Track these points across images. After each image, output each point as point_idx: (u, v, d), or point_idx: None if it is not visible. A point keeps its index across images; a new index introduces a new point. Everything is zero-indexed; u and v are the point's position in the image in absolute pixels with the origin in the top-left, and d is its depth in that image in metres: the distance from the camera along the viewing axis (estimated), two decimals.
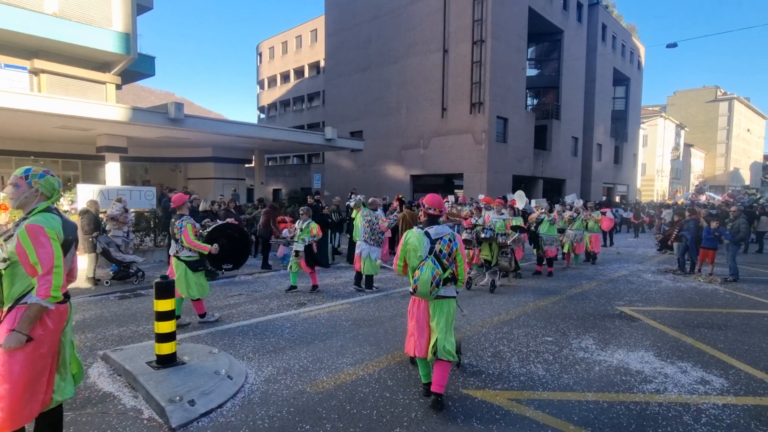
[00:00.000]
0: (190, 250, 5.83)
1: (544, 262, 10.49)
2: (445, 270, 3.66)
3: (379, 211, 8.99)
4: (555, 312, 7.07)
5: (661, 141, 53.55)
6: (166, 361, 4.30)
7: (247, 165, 22.74)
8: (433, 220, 3.89)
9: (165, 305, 4.27)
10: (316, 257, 8.47)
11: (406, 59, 24.08)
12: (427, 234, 3.75)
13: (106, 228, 9.09)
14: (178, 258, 5.88)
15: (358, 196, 9.54)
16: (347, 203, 10.67)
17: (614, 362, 4.95)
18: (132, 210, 11.80)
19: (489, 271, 8.61)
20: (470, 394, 4.08)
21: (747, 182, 77.83)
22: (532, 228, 10.74)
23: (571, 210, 11.94)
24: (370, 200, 8.78)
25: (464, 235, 8.97)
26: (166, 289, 4.31)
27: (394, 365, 4.77)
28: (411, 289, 3.75)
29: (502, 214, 9.41)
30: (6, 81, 14.53)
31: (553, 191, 27.17)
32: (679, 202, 24.60)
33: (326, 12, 29.34)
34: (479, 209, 10.43)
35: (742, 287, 9.22)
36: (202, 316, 6.23)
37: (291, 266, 8.18)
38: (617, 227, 20.68)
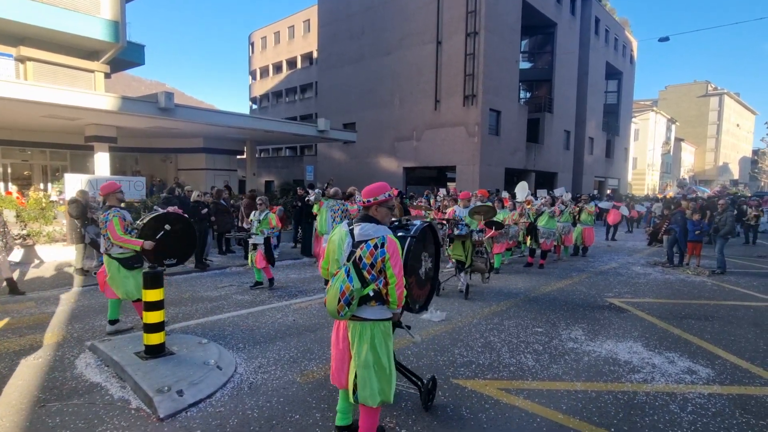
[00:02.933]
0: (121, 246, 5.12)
1: (537, 254, 10.46)
2: (365, 284, 2.74)
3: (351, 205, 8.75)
4: (545, 303, 7.11)
5: (652, 135, 53.94)
6: (155, 352, 4.27)
7: (239, 156, 22.58)
8: (365, 214, 2.93)
9: (153, 295, 4.22)
10: (272, 251, 7.94)
11: (400, 51, 23.94)
12: (351, 233, 2.85)
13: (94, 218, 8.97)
14: (109, 255, 5.22)
15: (316, 189, 9.15)
16: (306, 198, 9.99)
17: (603, 352, 4.99)
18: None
19: (462, 272, 7.57)
20: (460, 384, 4.10)
21: (736, 176, 78.79)
22: (531, 220, 10.72)
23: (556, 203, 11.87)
24: (332, 190, 8.47)
25: (457, 231, 8.19)
26: (154, 279, 4.27)
27: None
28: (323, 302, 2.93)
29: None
30: None
31: (546, 184, 27.26)
32: (668, 196, 24.81)
33: (319, 2, 29.04)
34: (454, 201, 10.02)
35: (729, 279, 9.35)
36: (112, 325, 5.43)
37: (250, 261, 7.72)
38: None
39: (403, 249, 3.02)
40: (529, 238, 10.82)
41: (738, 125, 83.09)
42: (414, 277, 3.23)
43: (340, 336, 3.00)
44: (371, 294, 2.78)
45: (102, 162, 14.56)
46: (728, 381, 4.30)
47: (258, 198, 8.28)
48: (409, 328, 3.43)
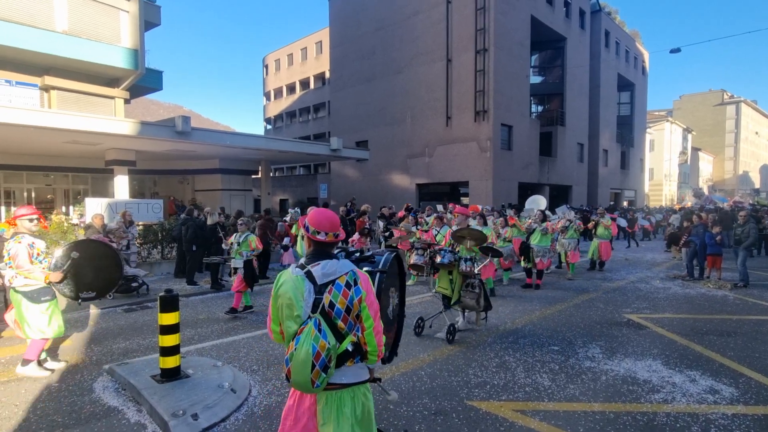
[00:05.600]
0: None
1: (534, 273, 9.74)
2: (340, 339, 2.17)
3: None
4: (561, 320, 7.00)
5: (668, 145, 53.18)
6: (171, 375, 4.32)
7: (253, 176, 22.92)
8: (322, 250, 2.31)
9: (169, 318, 4.29)
10: (256, 276, 7.65)
11: (410, 69, 24.25)
12: (309, 276, 2.19)
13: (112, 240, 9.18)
14: (14, 289, 4.64)
15: (296, 209, 8.53)
16: (284, 219, 9.51)
17: (621, 371, 4.89)
18: (140, 223, 11.94)
19: (447, 310, 6.24)
20: (474, 406, 4.05)
21: (757, 185, 76.91)
22: (523, 238, 10.10)
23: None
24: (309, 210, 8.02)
25: (413, 258, 7.14)
26: (170, 303, 4.34)
27: (399, 376, 4.74)
28: (284, 374, 2.19)
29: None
30: (17, 98, 14.85)
31: (560, 198, 27.04)
32: (687, 206, 24.29)
33: (330, 24, 29.69)
34: (440, 219, 8.48)
35: (753, 293, 9.09)
36: (25, 363, 4.72)
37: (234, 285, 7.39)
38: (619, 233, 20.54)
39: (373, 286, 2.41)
40: (522, 258, 10.00)
41: (757, 133, 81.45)
42: (382, 319, 2.51)
43: (303, 409, 2.24)
44: (350, 349, 2.17)
45: (121, 185, 14.94)
46: (753, 401, 4.16)
47: (239, 219, 7.89)
48: (380, 380, 2.63)
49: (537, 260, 9.60)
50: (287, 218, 8.20)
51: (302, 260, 2.31)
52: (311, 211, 2.48)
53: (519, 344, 5.81)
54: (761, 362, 5.14)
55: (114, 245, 7.35)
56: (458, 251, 6.28)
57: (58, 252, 4.79)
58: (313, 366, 2.07)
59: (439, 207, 14.56)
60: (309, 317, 2.15)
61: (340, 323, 2.17)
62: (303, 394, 2.24)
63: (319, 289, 2.17)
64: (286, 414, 2.29)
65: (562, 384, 4.55)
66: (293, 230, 8.17)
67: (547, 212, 12.04)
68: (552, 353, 5.48)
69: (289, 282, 2.21)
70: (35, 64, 15.15)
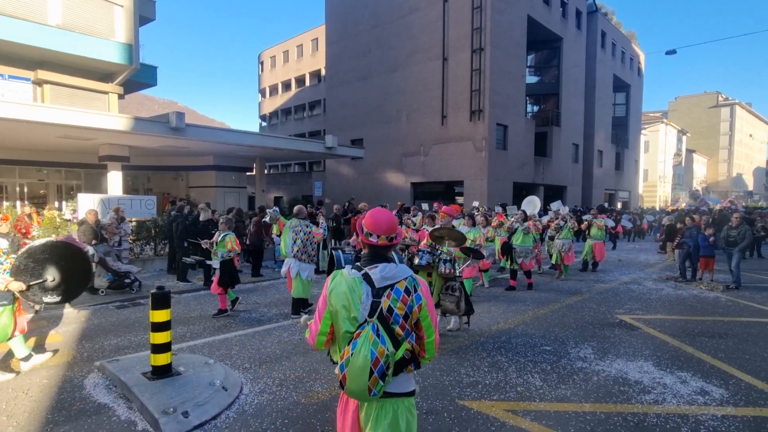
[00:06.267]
0: None
1: (520, 275, 9.61)
2: (398, 346, 2.04)
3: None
4: (554, 321, 7.03)
5: (663, 147, 53.51)
6: (162, 372, 4.29)
7: (248, 173, 22.82)
8: (378, 253, 2.21)
9: (160, 315, 4.27)
10: (236, 277, 7.44)
11: (406, 67, 24.22)
12: (366, 278, 2.09)
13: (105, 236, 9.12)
14: None
15: (274, 208, 8.19)
16: (263, 220, 9.18)
17: (612, 372, 4.91)
18: (133, 219, 11.86)
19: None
20: (466, 405, 4.05)
21: (750, 188, 77.58)
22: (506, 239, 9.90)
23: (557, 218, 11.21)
24: (296, 208, 7.46)
25: (417, 259, 6.45)
26: (162, 300, 4.31)
27: None
28: (339, 380, 2.06)
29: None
30: (10, 92, 14.69)
31: (554, 198, 27.12)
32: (681, 207, 24.46)
33: (327, 21, 29.58)
34: (431, 218, 8.00)
35: (744, 295, 9.16)
36: None
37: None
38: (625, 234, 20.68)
39: None
40: (504, 258, 9.80)
41: (751, 135, 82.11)
42: None
43: (348, 415, 2.16)
44: (406, 357, 2.05)
45: (115, 180, 14.83)
46: (743, 402, 4.20)
47: (222, 218, 7.55)
48: None
49: (520, 261, 9.45)
50: (266, 218, 7.89)
51: (358, 263, 2.23)
52: (368, 210, 2.35)
53: (511, 344, 5.82)
54: (752, 364, 5.19)
55: (87, 247, 7.22)
56: (439, 252, 6.01)
57: (22, 252, 4.61)
58: (371, 373, 1.93)
59: (425, 206, 14.38)
60: (366, 321, 2.03)
61: (398, 329, 2.04)
62: (349, 401, 2.16)
63: (377, 293, 2.06)
64: (338, 422, 2.24)
65: (554, 384, 4.57)
66: (274, 230, 7.72)
67: (535, 213, 11.87)
68: (544, 353, 5.49)
69: (344, 283, 2.10)
70: (28, 58, 14.99)
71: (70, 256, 4.82)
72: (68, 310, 7.40)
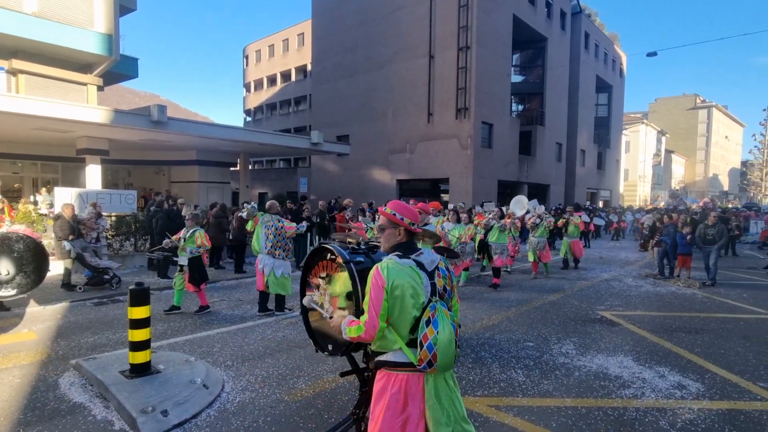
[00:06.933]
0: None
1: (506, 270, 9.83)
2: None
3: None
4: (537, 317, 7.10)
5: (643, 147, 54.57)
6: (140, 370, 4.20)
7: (232, 168, 22.52)
8: (412, 241, 2.44)
9: (139, 312, 4.17)
10: (205, 274, 7.27)
11: (393, 65, 24.17)
12: (420, 265, 2.27)
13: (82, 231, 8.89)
14: None
15: (251, 203, 7.94)
16: (239, 215, 8.95)
17: (593, 367, 4.98)
18: (113, 214, 11.59)
19: None
20: None
21: (725, 188, 79.67)
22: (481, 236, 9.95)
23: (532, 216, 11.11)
24: (268, 204, 7.25)
25: None
26: (141, 296, 4.22)
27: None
28: (416, 362, 2.16)
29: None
30: None
31: (538, 196, 27.45)
32: (660, 206, 24.98)
33: (313, 16, 29.33)
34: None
35: (719, 291, 9.40)
36: None
37: (175, 282, 7.06)
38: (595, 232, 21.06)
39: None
40: (482, 256, 9.69)
41: (726, 137, 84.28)
42: None
43: (416, 406, 2.23)
44: (457, 327, 2.33)
45: (94, 175, 14.46)
46: (718, 396, 4.30)
47: (188, 213, 7.29)
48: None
49: (495, 257, 9.48)
50: (243, 213, 7.65)
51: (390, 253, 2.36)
52: (393, 204, 2.46)
53: (495, 340, 5.86)
54: (726, 359, 5.31)
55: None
56: None
57: None
58: (456, 344, 2.17)
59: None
60: (429, 302, 2.21)
61: (450, 304, 2.32)
62: (411, 381, 2.22)
63: (431, 275, 2.27)
64: (388, 412, 2.22)
65: (537, 380, 4.61)
66: (248, 226, 7.42)
67: (522, 213, 11.76)
68: (527, 349, 5.54)
69: (402, 273, 2.21)
70: (2, 46, 14.47)
71: (24, 248, 4.61)
72: (38, 308, 7.20)
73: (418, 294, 2.20)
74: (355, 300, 2.51)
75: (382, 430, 2.20)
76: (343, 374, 3.05)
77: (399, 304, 2.18)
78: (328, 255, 2.84)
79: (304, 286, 3.09)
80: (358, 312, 2.43)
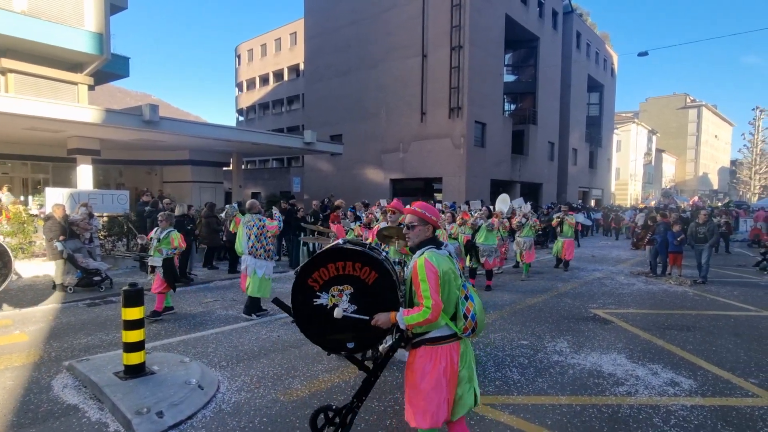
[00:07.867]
0: None
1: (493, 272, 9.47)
2: None
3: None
4: (531, 316, 7.15)
5: (634, 146, 55.03)
6: (134, 372, 4.17)
7: (225, 168, 22.40)
8: (435, 236, 2.84)
9: (133, 313, 4.14)
10: (177, 275, 7.16)
11: (386, 64, 24.16)
12: (450, 255, 2.78)
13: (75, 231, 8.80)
14: None
15: (233, 204, 7.71)
16: (221, 215, 8.78)
17: (587, 365, 5.02)
18: (105, 214, 11.49)
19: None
20: None
21: (715, 187, 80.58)
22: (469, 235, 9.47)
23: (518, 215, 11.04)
24: (249, 203, 7.12)
25: None
26: (134, 297, 4.19)
27: None
28: (461, 332, 2.65)
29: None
30: None
31: (531, 195, 27.61)
32: (651, 205, 25.22)
33: (306, 15, 29.23)
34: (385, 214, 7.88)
35: (711, 289, 9.51)
36: None
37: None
38: (589, 230, 21.24)
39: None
40: (468, 257, 9.40)
41: (716, 136, 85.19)
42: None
43: (451, 365, 2.64)
44: None
45: (85, 175, 14.33)
46: (710, 392, 4.35)
47: (159, 214, 7.20)
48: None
49: (483, 259, 9.08)
50: (223, 215, 7.40)
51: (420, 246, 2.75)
52: (421, 204, 2.83)
53: (489, 339, 5.89)
54: (717, 356, 5.38)
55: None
56: (386, 253, 5.83)
57: None
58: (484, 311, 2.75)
59: (383, 202, 13.53)
60: (463, 280, 2.75)
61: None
62: (452, 350, 2.64)
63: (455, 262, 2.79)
64: (429, 376, 2.60)
65: (531, 378, 4.64)
66: (231, 227, 7.25)
67: (507, 211, 11.50)
68: (521, 347, 5.58)
69: (445, 261, 2.65)
70: None
71: None
72: (29, 309, 7.12)
73: (458, 277, 2.68)
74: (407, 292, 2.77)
75: (431, 401, 2.58)
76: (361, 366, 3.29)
77: (448, 287, 2.61)
78: (345, 257, 2.78)
79: (304, 289, 2.88)
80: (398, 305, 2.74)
